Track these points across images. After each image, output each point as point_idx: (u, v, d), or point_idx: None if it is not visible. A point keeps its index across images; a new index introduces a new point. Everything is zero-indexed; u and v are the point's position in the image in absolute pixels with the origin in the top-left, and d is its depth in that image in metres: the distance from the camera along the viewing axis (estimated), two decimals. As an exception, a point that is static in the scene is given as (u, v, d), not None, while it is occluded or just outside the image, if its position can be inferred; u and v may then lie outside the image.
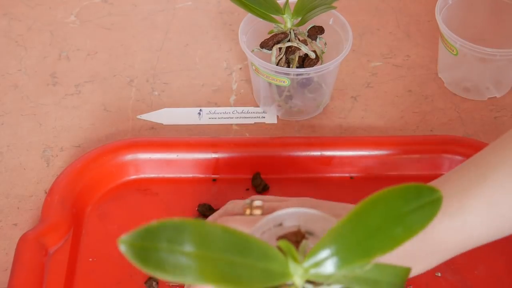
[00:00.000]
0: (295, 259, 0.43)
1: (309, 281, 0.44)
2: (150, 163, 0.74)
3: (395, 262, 0.53)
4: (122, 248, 0.37)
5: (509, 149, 0.55)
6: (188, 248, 0.38)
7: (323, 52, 0.80)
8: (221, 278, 0.38)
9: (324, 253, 0.43)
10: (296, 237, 0.47)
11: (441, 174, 0.75)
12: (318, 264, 0.43)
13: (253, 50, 0.78)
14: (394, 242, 0.42)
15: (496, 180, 0.54)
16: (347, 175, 0.75)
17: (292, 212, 0.48)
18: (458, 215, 0.55)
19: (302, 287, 0.44)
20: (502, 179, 0.54)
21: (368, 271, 0.44)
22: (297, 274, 0.43)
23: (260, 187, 0.73)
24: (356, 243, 0.43)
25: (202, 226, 0.39)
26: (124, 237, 0.37)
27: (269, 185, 0.74)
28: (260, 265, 0.41)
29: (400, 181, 0.75)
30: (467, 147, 0.75)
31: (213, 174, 0.75)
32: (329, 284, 0.44)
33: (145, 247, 0.38)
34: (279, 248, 0.43)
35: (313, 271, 0.43)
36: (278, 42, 0.78)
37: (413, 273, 0.57)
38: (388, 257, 0.47)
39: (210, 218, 0.62)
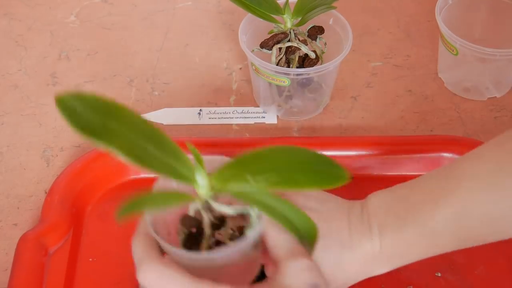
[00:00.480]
0: (201, 168, 0.47)
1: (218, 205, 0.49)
2: (150, 163, 0.74)
3: (359, 259, 0.56)
4: (61, 107, 0.43)
5: (484, 162, 0.55)
6: (115, 124, 0.44)
7: (323, 52, 0.80)
8: (134, 156, 0.44)
9: (231, 171, 0.48)
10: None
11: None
12: (224, 178, 0.48)
13: (253, 50, 0.78)
14: (293, 183, 0.48)
15: (468, 192, 0.54)
16: (347, 175, 0.75)
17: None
18: (427, 223, 0.55)
19: (205, 200, 0.49)
20: (474, 192, 0.54)
21: (285, 208, 0.49)
22: (201, 181, 0.48)
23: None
24: (259, 171, 0.48)
25: (129, 113, 0.47)
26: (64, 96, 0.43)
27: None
28: (170, 161, 0.46)
29: (400, 181, 0.76)
30: (467, 147, 0.75)
31: (213, 174, 0.75)
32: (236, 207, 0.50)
33: (80, 114, 0.43)
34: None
35: (218, 185, 0.48)
36: (278, 42, 0.78)
37: (376, 273, 0.58)
38: (348, 251, 0.55)
39: None
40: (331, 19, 0.81)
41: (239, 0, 0.77)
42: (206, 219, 0.50)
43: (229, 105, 0.84)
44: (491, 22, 0.87)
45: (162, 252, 0.51)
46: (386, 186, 0.72)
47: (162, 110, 0.83)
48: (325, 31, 0.80)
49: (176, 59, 0.90)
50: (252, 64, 0.79)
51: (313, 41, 0.79)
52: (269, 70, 0.77)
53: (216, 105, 0.84)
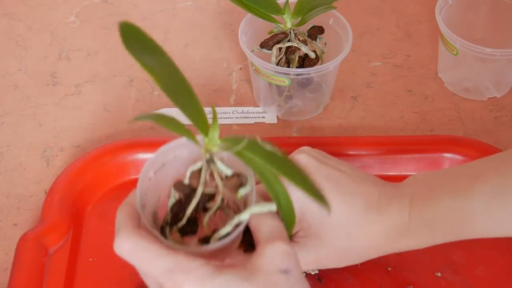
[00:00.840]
0: (216, 124, 0.52)
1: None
2: (150, 163, 0.74)
3: (385, 225, 0.57)
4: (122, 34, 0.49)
5: None
6: (158, 64, 0.51)
7: (323, 52, 0.80)
8: (168, 90, 0.49)
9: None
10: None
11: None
12: (235, 142, 0.51)
13: (253, 50, 0.78)
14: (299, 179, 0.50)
15: (507, 172, 0.55)
16: (347, 175, 0.75)
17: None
18: (461, 196, 0.55)
19: (210, 153, 0.52)
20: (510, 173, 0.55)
21: (279, 187, 0.52)
22: (213, 134, 0.52)
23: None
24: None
25: (167, 56, 0.52)
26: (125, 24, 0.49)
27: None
28: (192, 111, 0.51)
29: (400, 181, 0.75)
30: (467, 147, 0.75)
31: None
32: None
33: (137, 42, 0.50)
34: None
35: (228, 144, 0.52)
36: (278, 42, 0.78)
37: (402, 248, 0.58)
38: (374, 212, 0.56)
39: None
40: (331, 19, 0.81)
41: (239, 0, 0.77)
42: (204, 176, 0.52)
43: (229, 105, 0.84)
44: (491, 22, 0.87)
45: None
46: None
47: (162, 110, 0.83)
48: (325, 31, 0.80)
49: (176, 59, 0.90)
50: (252, 64, 0.79)
51: (313, 41, 0.79)
52: (269, 70, 0.77)
53: (216, 105, 0.84)
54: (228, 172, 0.53)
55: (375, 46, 0.92)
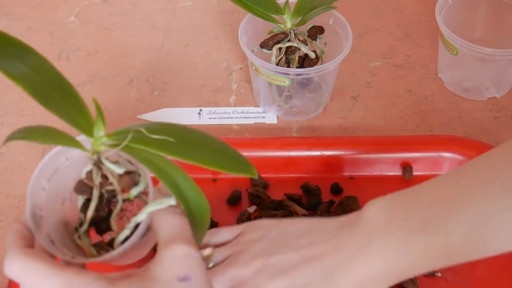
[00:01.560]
0: (101, 121, 0.48)
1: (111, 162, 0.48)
2: (150, 163, 0.74)
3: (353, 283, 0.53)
4: None
5: (500, 165, 0.52)
6: (25, 67, 0.48)
7: (323, 52, 0.80)
8: (36, 94, 0.47)
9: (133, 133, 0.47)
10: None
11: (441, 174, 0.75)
12: (122, 137, 0.48)
13: (253, 50, 0.78)
14: (194, 157, 0.47)
15: (484, 199, 0.51)
16: (347, 175, 0.75)
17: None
18: (440, 233, 0.51)
19: (96, 154, 0.48)
20: (490, 199, 0.50)
21: (179, 176, 0.46)
22: (98, 133, 0.48)
23: (260, 185, 0.73)
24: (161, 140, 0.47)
25: (38, 56, 0.48)
26: None
27: (269, 183, 0.74)
28: (71, 110, 0.47)
29: (400, 181, 0.75)
30: (467, 147, 0.75)
31: (213, 174, 0.75)
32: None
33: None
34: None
35: (115, 140, 0.48)
36: (278, 42, 0.78)
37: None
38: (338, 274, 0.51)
39: None
40: (331, 19, 0.81)
41: (239, 0, 0.77)
42: (97, 180, 0.49)
43: (229, 105, 0.84)
44: (491, 22, 0.87)
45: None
46: (386, 186, 0.72)
47: (162, 110, 0.83)
48: (325, 31, 0.80)
49: (176, 59, 0.90)
50: (252, 64, 0.79)
51: (313, 41, 0.79)
52: (269, 70, 0.77)
53: (216, 105, 0.84)
54: (119, 171, 0.48)
55: (375, 46, 0.92)
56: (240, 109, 0.83)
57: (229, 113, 0.83)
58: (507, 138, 0.80)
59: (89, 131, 0.48)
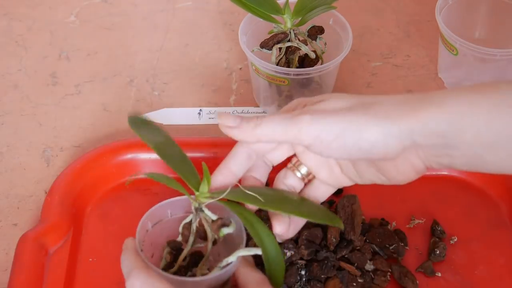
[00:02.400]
0: (207, 183, 0.57)
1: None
2: (150, 163, 0.74)
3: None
4: (129, 120, 0.59)
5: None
6: (156, 137, 0.59)
7: (323, 52, 0.80)
8: (164, 156, 0.57)
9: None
10: None
11: (442, 174, 0.75)
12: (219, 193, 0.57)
13: (253, 50, 0.78)
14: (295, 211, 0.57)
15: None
16: (347, 175, 0.75)
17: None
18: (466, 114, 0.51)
19: (199, 203, 0.57)
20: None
21: (263, 230, 0.55)
22: (203, 188, 0.57)
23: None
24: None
25: (164, 132, 0.60)
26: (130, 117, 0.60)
27: (269, 183, 0.74)
28: (185, 170, 0.58)
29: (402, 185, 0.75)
30: (467, 147, 0.75)
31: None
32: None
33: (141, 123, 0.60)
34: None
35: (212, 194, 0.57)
36: (278, 42, 0.78)
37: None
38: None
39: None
40: (331, 19, 0.81)
41: (239, 0, 0.77)
42: (194, 225, 0.57)
43: (229, 105, 0.84)
44: (491, 22, 0.87)
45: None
46: (386, 186, 0.72)
47: (162, 110, 0.83)
48: (325, 31, 0.80)
49: (176, 59, 0.90)
50: (252, 64, 0.79)
51: (313, 41, 0.79)
52: (269, 70, 0.77)
53: (216, 105, 0.84)
54: (214, 217, 0.56)
55: (375, 46, 0.92)
56: (240, 109, 0.83)
57: (229, 113, 0.83)
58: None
59: (196, 187, 0.57)
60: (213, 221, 0.57)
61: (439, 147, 0.52)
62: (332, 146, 0.54)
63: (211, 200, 0.56)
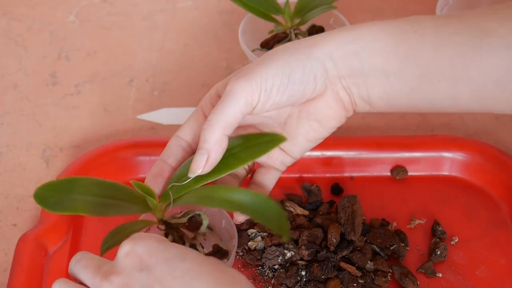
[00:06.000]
0: (153, 198, 0.55)
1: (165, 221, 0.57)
2: (150, 163, 0.74)
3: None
4: (36, 200, 0.55)
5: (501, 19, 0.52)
6: (75, 196, 0.55)
7: (323, 52, 0.80)
8: (94, 211, 0.55)
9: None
10: None
11: (442, 175, 0.75)
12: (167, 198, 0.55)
13: (253, 50, 0.78)
14: (239, 161, 0.54)
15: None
16: (347, 175, 0.75)
17: None
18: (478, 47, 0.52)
19: (161, 220, 0.57)
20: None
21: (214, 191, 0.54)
22: (153, 206, 0.56)
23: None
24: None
25: (86, 180, 0.57)
26: (37, 191, 0.55)
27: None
28: (125, 204, 0.56)
29: (400, 181, 0.75)
30: (468, 147, 0.75)
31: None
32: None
33: (49, 197, 0.55)
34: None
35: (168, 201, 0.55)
36: (278, 42, 0.78)
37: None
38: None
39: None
40: (332, 19, 0.81)
41: (239, -1, 0.77)
42: (170, 238, 0.57)
43: (229, 105, 0.84)
44: (492, 22, 0.87)
45: None
46: (387, 186, 0.72)
47: (162, 110, 0.83)
48: (325, 30, 0.80)
49: (176, 59, 0.90)
50: (252, 64, 0.78)
51: (314, 41, 0.79)
52: (269, 70, 0.76)
53: (216, 105, 0.84)
54: (183, 220, 0.57)
55: (376, 46, 0.91)
56: (240, 109, 0.83)
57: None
58: (508, 138, 0.80)
59: (145, 208, 0.56)
60: (186, 224, 0.57)
61: (356, 71, 0.55)
62: (272, 92, 0.54)
63: (168, 210, 0.56)
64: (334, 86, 0.56)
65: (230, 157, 0.54)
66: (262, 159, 0.60)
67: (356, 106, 0.57)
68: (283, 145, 0.58)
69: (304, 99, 0.56)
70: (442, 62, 0.53)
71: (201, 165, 0.53)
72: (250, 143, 0.54)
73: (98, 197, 0.56)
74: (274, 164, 0.60)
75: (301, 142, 0.59)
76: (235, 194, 0.52)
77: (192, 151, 0.58)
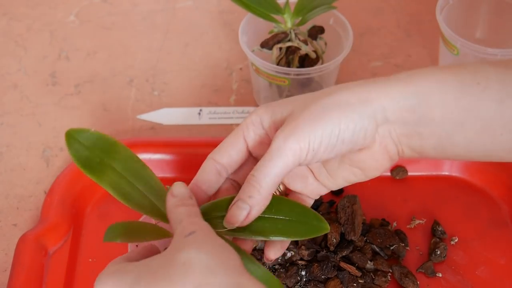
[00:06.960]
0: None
1: None
2: (150, 163, 0.73)
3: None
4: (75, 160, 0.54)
5: None
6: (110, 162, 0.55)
7: (323, 52, 0.80)
8: (119, 192, 0.54)
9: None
10: None
11: (442, 175, 0.75)
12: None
13: (253, 50, 0.78)
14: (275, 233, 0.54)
15: None
16: (347, 175, 0.75)
17: None
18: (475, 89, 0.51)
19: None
20: None
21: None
22: None
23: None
24: None
25: (126, 150, 0.56)
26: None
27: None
28: (150, 198, 0.55)
29: (400, 181, 0.75)
30: (468, 147, 0.75)
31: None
32: None
33: (91, 159, 0.54)
34: None
35: None
36: (278, 42, 0.78)
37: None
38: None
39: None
40: (332, 19, 0.81)
41: (239, 0, 0.77)
42: None
43: (229, 105, 0.84)
44: (492, 21, 0.87)
45: None
46: (387, 186, 0.72)
47: (162, 110, 0.83)
48: (325, 31, 0.80)
49: (176, 59, 0.90)
50: (253, 64, 0.79)
51: (314, 41, 0.79)
52: (270, 70, 0.76)
53: (216, 105, 0.84)
54: None
55: (376, 46, 0.92)
56: (240, 109, 0.83)
57: (229, 113, 0.83)
58: (508, 138, 0.80)
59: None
60: None
61: (410, 124, 0.52)
62: (320, 151, 0.53)
63: None
64: (383, 139, 0.54)
65: (269, 221, 0.54)
66: (298, 188, 0.59)
67: (404, 154, 0.55)
68: (322, 179, 0.58)
69: (350, 153, 0.55)
70: (507, 116, 0.51)
71: (241, 219, 0.52)
72: (294, 216, 0.54)
73: (130, 176, 0.55)
74: (310, 195, 0.60)
75: (340, 182, 0.58)
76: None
77: (226, 175, 0.57)
